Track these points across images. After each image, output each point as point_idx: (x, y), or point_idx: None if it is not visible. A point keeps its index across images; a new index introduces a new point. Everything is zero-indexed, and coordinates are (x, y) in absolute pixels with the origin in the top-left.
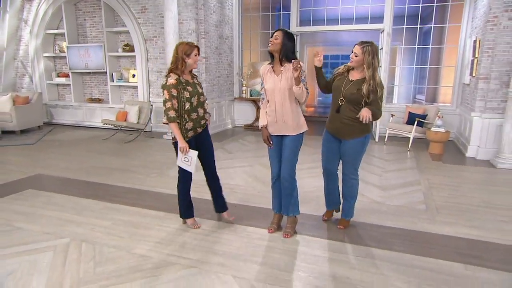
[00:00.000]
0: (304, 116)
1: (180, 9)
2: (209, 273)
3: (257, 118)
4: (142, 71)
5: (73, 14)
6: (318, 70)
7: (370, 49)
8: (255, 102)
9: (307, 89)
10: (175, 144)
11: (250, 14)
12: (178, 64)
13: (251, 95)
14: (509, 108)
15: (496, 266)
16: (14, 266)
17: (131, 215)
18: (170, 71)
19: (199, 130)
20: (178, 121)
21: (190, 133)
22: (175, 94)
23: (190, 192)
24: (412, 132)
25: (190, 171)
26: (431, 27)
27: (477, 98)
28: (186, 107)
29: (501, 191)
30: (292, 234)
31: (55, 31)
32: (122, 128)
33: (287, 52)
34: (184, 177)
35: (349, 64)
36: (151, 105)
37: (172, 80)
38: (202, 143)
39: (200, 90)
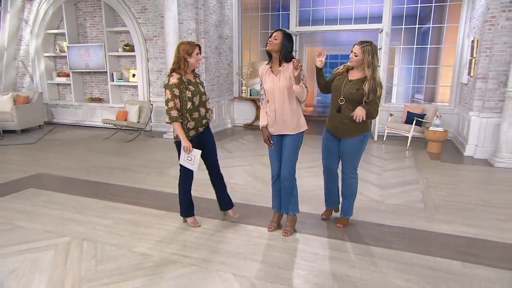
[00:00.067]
0: (304, 115)
1: (180, 9)
2: (210, 271)
3: (257, 118)
4: (142, 71)
5: (73, 14)
6: (318, 70)
7: (370, 48)
8: (255, 102)
9: (306, 87)
10: (177, 143)
11: (250, 14)
12: (181, 64)
13: (250, 95)
14: (507, 107)
15: (493, 264)
16: (15, 264)
17: (132, 214)
18: (173, 70)
19: (201, 129)
20: (180, 120)
21: (192, 133)
22: (177, 94)
23: (191, 191)
24: (411, 131)
25: (193, 169)
26: (430, 27)
27: (475, 97)
28: (188, 106)
29: (499, 189)
30: (292, 232)
31: (56, 31)
32: (122, 128)
33: (286, 52)
34: (185, 176)
35: (348, 64)
36: (151, 105)
37: (174, 79)
38: (204, 142)
39: (202, 90)
